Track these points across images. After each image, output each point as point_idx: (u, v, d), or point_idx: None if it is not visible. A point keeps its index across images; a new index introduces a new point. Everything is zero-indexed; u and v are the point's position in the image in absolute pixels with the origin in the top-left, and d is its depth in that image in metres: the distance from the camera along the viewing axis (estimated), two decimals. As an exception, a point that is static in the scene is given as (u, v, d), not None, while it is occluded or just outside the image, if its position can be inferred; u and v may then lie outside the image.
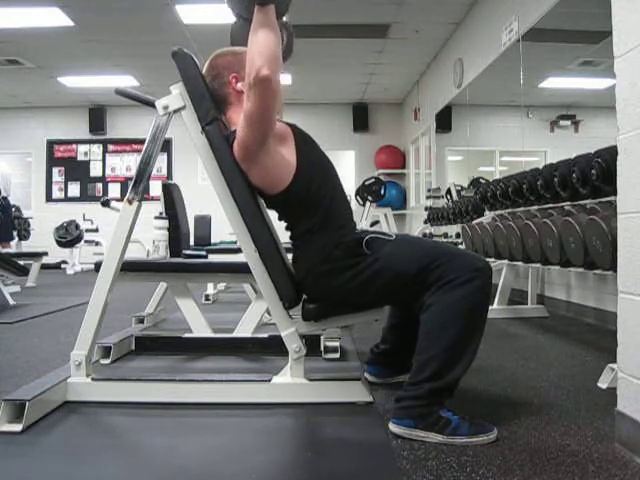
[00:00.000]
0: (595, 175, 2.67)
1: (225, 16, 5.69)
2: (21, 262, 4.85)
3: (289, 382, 1.83)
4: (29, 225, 7.92)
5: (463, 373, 1.57)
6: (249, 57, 1.59)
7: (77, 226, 7.78)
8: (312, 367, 1.95)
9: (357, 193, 7.75)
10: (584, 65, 5.43)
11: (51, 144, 9.47)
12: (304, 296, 1.84)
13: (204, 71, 1.90)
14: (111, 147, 9.50)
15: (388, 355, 2.06)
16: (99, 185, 9.49)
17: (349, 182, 9.56)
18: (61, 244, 7.66)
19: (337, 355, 2.47)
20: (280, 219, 1.88)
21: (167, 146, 9.15)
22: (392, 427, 1.55)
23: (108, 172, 9.51)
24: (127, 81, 7.74)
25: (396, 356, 2.03)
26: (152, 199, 6.87)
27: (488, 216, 4.24)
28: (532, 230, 3.09)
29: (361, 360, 2.43)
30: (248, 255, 1.81)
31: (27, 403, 1.56)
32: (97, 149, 9.52)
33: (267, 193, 1.78)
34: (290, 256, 1.89)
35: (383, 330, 2.09)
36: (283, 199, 1.76)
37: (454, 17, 5.79)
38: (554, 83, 6.12)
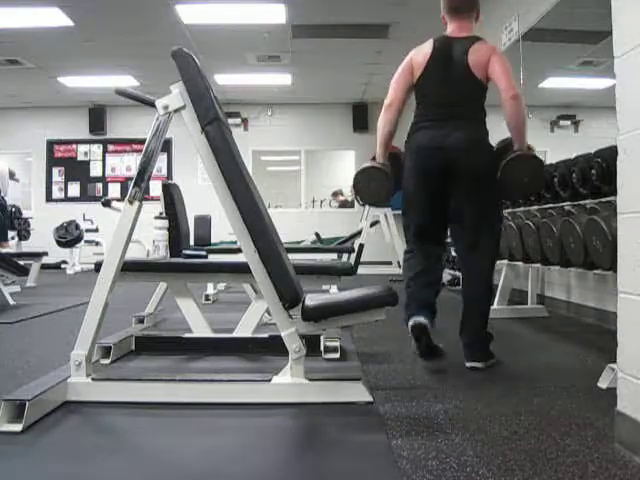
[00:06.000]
0: (595, 175, 2.67)
1: (225, 16, 5.72)
2: (21, 262, 4.85)
3: (289, 382, 1.83)
4: (29, 225, 7.92)
5: None
6: None
7: (77, 226, 7.78)
8: (312, 367, 1.95)
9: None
10: (584, 65, 5.43)
11: (51, 144, 9.47)
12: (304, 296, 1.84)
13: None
14: (111, 147, 9.50)
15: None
16: (99, 185, 9.49)
17: (349, 182, 9.56)
18: (61, 244, 7.67)
19: (337, 355, 2.47)
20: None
21: (167, 146, 9.15)
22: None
23: (108, 172, 9.51)
24: (127, 81, 7.74)
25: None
26: (152, 199, 6.87)
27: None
28: (532, 230, 3.09)
29: (361, 360, 2.43)
30: (248, 255, 1.81)
31: (27, 403, 1.56)
32: (97, 149, 9.52)
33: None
34: (292, 256, 1.89)
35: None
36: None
37: (454, 17, 5.79)
38: (554, 83, 6.12)
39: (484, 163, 2.35)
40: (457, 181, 2.34)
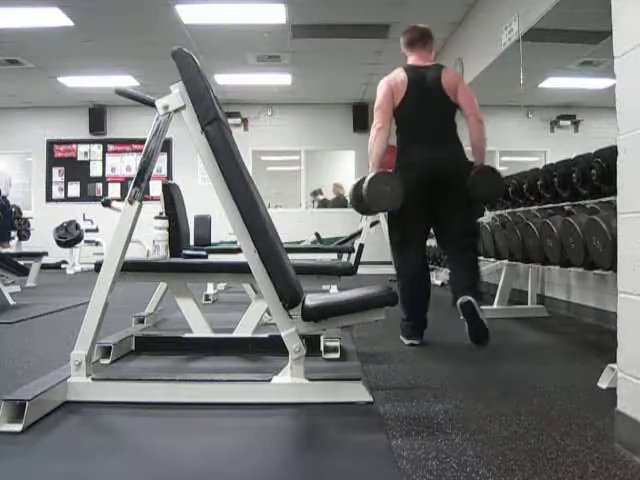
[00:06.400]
0: (595, 175, 2.67)
1: (225, 16, 5.72)
2: (21, 262, 4.85)
3: (289, 382, 1.83)
4: (29, 225, 7.92)
5: None
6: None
7: (77, 226, 7.77)
8: (312, 367, 1.95)
9: (357, 193, 7.72)
10: (584, 65, 5.43)
11: (51, 144, 9.47)
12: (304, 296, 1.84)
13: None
14: (111, 147, 9.49)
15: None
16: (99, 185, 9.49)
17: (349, 182, 9.55)
18: (61, 244, 7.66)
19: (337, 355, 2.47)
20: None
21: (167, 146, 9.15)
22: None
23: (108, 172, 9.51)
24: (127, 81, 7.74)
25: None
26: (152, 199, 6.86)
27: (488, 216, 4.24)
28: (532, 230, 3.09)
29: (361, 360, 2.43)
30: (248, 255, 1.81)
31: (27, 403, 1.56)
32: (97, 149, 9.51)
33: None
34: (292, 256, 1.88)
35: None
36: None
37: (454, 17, 5.79)
38: (554, 83, 6.12)
39: (465, 172, 2.74)
40: (445, 188, 2.72)
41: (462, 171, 2.72)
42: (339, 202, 9.38)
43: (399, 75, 2.78)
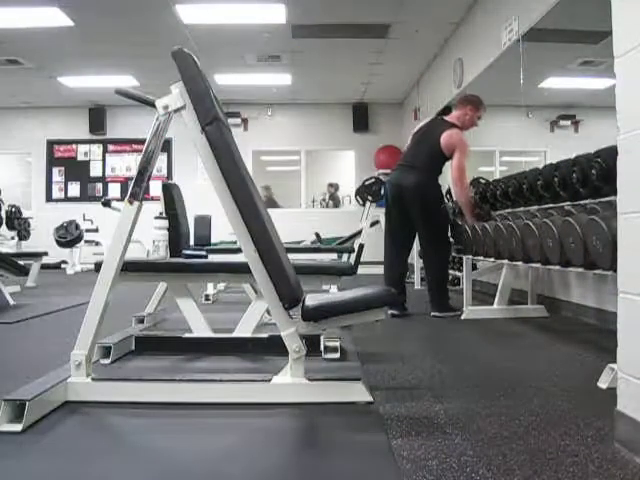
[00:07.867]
0: (595, 175, 2.67)
1: (225, 16, 5.72)
2: (21, 262, 4.84)
3: (289, 382, 1.83)
4: (29, 225, 7.92)
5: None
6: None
7: (77, 226, 7.78)
8: (312, 367, 1.95)
9: (357, 193, 7.72)
10: (584, 65, 5.43)
11: (51, 144, 9.47)
12: (304, 296, 1.84)
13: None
14: (111, 147, 9.49)
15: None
16: (99, 185, 9.48)
17: (349, 182, 9.55)
18: (61, 244, 7.66)
19: (337, 355, 2.47)
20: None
21: (167, 146, 9.14)
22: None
23: (108, 172, 9.51)
24: (127, 81, 7.73)
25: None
26: (152, 199, 6.86)
27: (488, 216, 4.23)
28: (532, 230, 3.09)
29: (361, 360, 2.43)
30: (248, 255, 1.81)
31: (27, 403, 1.56)
32: (97, 149, 9.51)
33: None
34: (292, 256, 1.89)
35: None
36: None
37: (454, 17, 5.79)
38: (554, 83, 6.12)
39: (422, 196, 3.75)
40: (410, 206, 3.74)
41: (419, 193, 3.72)
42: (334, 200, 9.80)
43: (424, 122, 4.07)
